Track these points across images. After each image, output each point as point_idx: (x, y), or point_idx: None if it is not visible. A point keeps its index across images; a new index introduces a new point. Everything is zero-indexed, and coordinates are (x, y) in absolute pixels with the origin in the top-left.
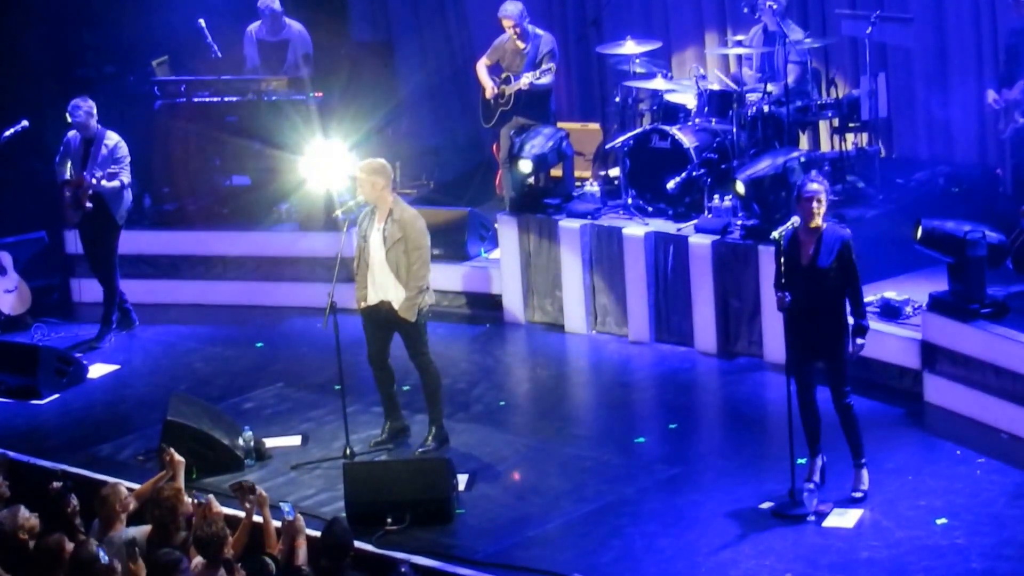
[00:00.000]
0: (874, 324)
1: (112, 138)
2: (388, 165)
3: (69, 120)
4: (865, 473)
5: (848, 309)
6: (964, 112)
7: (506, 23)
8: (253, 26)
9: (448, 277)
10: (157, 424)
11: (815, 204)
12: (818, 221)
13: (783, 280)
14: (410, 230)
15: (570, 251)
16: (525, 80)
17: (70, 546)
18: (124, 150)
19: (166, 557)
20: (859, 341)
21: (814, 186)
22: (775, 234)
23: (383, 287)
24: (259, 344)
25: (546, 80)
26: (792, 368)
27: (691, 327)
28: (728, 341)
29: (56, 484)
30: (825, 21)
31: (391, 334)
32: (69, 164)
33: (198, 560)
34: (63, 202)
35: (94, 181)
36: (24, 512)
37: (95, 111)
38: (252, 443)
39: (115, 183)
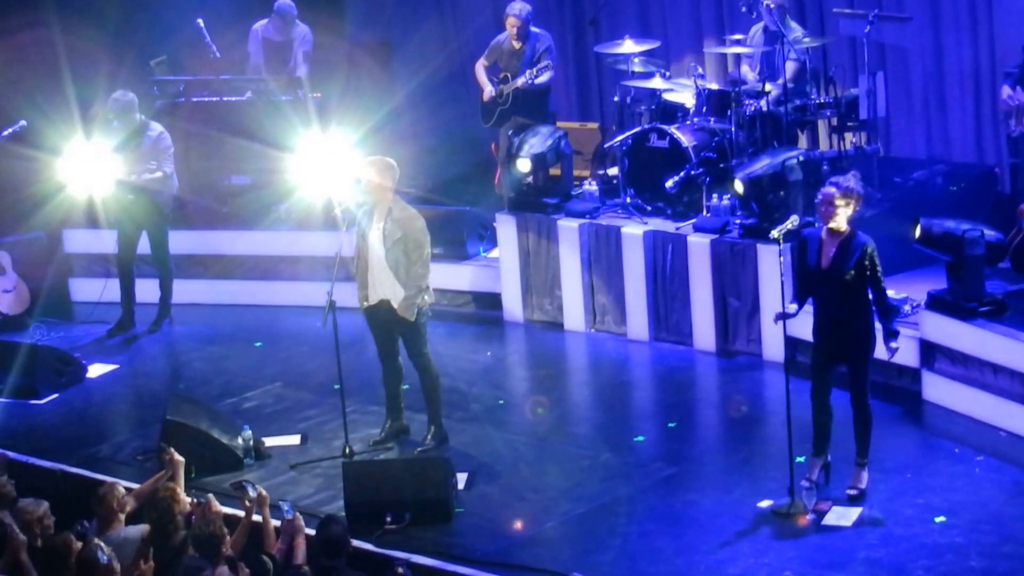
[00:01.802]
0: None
1: (155, 128)
2: (394, 163)
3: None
4: (865, 473)
5: (875, 312)
6: (962, 111)
7: (512, 21)
8: (259, 24)
9: (447, 276)
10: (156, 423)
11: (825, 207)
12: (836, 224)
13: (801, 283)
14: (410, 229)
15: (569, 250)
16: (522, 79)
17: (78, 546)
18: (167, 140)
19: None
20: (893, 345)
21: (827, 189)
22: (774, 233)
23: (382, 286)
24: (258, 343)
25: (543, 78)
26: (814, 369)
27: (690, 326)
28: (727, 340)
29: None
30: (823, 20)
31: (394, 332)
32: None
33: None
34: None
35: (133, 177)
36: (46, 509)
37: (136, 104)
38: (251, 442)
39: (157, 174)
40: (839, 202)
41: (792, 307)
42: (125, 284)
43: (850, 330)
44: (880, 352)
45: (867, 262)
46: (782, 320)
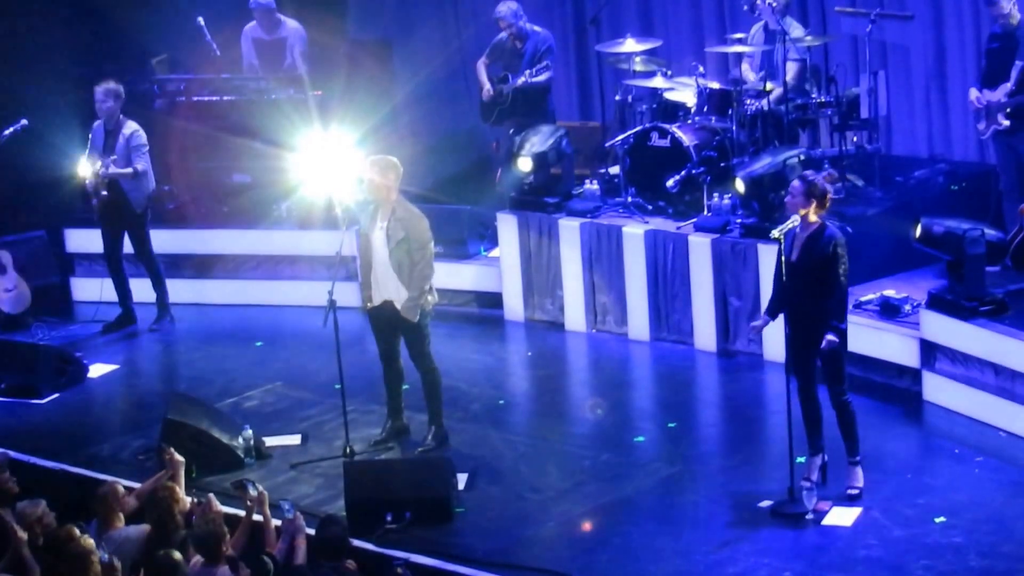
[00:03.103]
0: (873, 322)
1: (130, 127)
2: (397, 163)
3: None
4: (859, 471)
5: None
6: (963, 110)
7: (501, 24)
8: (249, 25)
9: (448, 275)
10: (157, 423)
11: (787, 198)
12: (796, 215)
13: (776, 281)
14: (413, 229)
15: (570, 249)
16: (521, 79)
17: (79, 538)
18: (141, 139)
19: (165, 559)
20: (830, 337)
21: (793, 182)
22: (775, 232)
23: (385, 287)
24: (259, 343)
25: (542, 78)
26: (792, 364)
27: (690, 325)
28: (727, 339)
29: None
30: (825, 19)
31: (397, 333)
32: (96, 156)
33: (197, 559)
34: (86, 191)
35: (101, 169)
36: (44, 507)
37: (112, 96)
38: (252, 442)
39: (127, 170)
40: (800, 195)
41: (758, 323)
42: (117, 281)
43: (817, 325)
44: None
45: (831, 252)
46: (758, 331)
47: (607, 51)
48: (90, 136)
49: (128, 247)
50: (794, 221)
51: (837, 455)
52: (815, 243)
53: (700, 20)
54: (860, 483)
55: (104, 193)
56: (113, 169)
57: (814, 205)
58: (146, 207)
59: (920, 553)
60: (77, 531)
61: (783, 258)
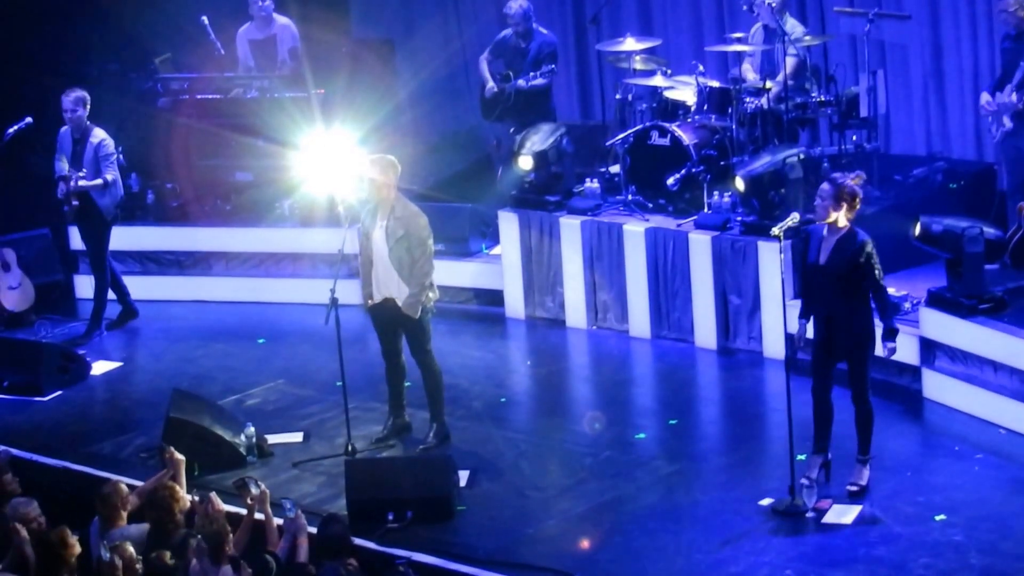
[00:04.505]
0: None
1: (97, 135)
2: (396, 161)
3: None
4: (866, 470)
5: (874, 310)
6: (962, 109)
7: (509, 22)
8: (243, 28)
9: (449, 273)
10: (159, 421)
11: (817, 201)
12: (831, 221)
13: (803, 280)
14: (413, 227)
15: (571, 247)
16: (522, 81)
17: (73, 540)
18: (109, 148)
19: (157, 564)
20: (889, 345)
21: (823, 184)
22: (775, 230)
23: (386, 284)
24: (261, 340)
25: (543, 81)
26: (812, 364)
27: (691, 323)
28: (728, 337)
29: None
30: (824, 18)
31: (398, 330)
32: (65, 160)
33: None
34: (59, 198)
35: (72, 181)
36: (36, 508)
37: (82, 104)
38: (254, 440)
39: (97, 181)
40: (830, 198)
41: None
42: (112, 280)
43: (848, 327)
44: (878, 350)
45: (863, 259)
46: (796, 341)
47: (607, 50)
48: (57, 142)
49: (113, 245)
50: (793, 219)
51: (839, 453)
52: (846, 247)
53: (700, 19)
54: (864, 481)
55: (75, 203)
56: (83, 183)
57: (844, 208)
58: (115, 215)
59: (920, 551)
60: (69, 531)
61: (810, 262)
